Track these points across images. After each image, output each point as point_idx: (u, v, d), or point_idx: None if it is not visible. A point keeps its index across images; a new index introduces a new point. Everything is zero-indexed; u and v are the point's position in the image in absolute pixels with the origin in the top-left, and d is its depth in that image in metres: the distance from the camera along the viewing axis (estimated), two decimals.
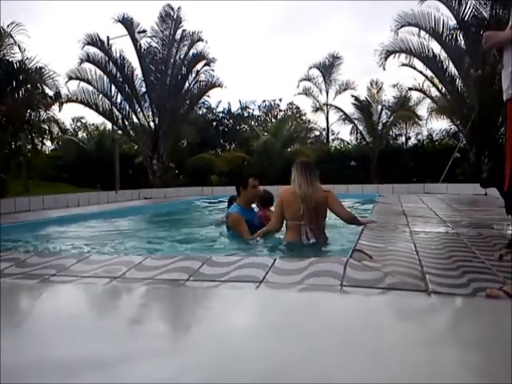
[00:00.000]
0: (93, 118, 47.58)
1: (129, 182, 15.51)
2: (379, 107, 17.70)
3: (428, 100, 16.18)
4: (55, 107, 12.06)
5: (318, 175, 3.78)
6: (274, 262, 2.60)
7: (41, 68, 10.49)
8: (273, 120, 27.32)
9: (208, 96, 17.10)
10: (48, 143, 19.41)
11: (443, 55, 13.08)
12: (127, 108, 15.02)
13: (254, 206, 4.65)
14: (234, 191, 4.65)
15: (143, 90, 15.20)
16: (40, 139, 14.42)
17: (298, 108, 28.77)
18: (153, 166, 14.96)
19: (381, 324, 0.26)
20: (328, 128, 24.70)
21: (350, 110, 17.97)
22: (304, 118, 27.65)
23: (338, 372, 0.19)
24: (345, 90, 23.24)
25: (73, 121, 27.84)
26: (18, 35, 9.99)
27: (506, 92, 2.64)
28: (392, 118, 17.51)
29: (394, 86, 19.15)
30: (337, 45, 62.57)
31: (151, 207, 9.86)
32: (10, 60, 9.91)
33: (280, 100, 29.47)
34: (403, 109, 17.48)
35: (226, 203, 5.38)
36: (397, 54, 13.55)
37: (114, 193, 11.42)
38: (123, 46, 18.03)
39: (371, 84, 18.19)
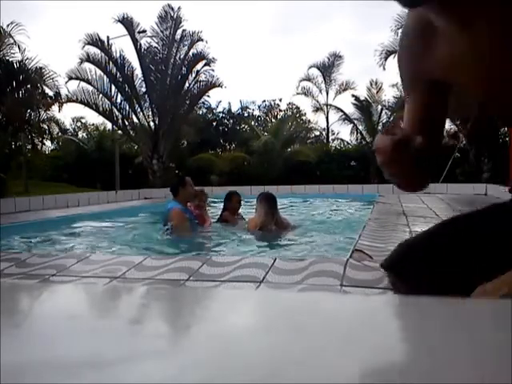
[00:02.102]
0: (93, 118, 47.55)
1: (129, 182, 15.52)
2: (379, 107, 17.70)
3: None
4: (55, 107, 12.07)
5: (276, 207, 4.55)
6: (273, 262, 2.60)
7: (41, 68, 10.51)
8: (273, 120, 27.31)
9: (208, 96, 17.12)
10: (48, 143, 19.45)
11: None
12: (127, 108, 15.02)
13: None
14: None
15: (143, 90, 15.20)
16: (40, 139, 14.43)
17: (298, 108, 28.75)
18: (153, 166, 14.95)
19: (381, 324, 0.26)
20: (328, 128, 24.69)
21: (350, 109, 17.98)
22: (304, 117, 27.63)
23: (339, 372, 0.19)
24: (345, 90, 23.22)
25: (73, 121, 27.80)
26: (17, 35, 10.01)
27: None
28: (392, 118, 17.50)
29: (393, 85, 19.13)
30: (337, 45, 62.65)
31: (151, 207, 9.86)
32: (10, 60, 9.93)
33: (280, 100, 29.47)
34: (403, 109, 17.44)
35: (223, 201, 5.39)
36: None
37: (114, 193, 11.43)
38: (123, 46, 18.03)
39: (371, 84, 18.18)
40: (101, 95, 14.63)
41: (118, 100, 14.97)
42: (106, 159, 17.46)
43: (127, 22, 14.70)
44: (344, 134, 44.11)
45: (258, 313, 0.34)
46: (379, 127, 17.38)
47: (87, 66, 14.56)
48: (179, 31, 15.23)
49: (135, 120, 15.40)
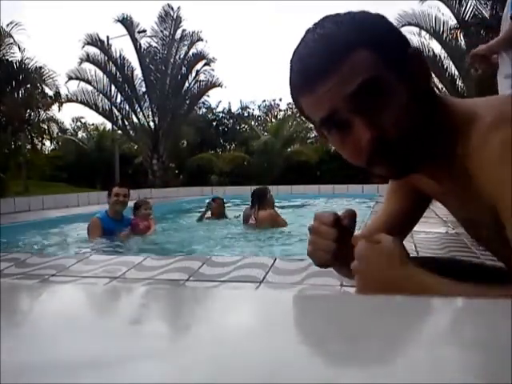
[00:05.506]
0: (92, 117, 47.57)
1: (129, 182, 15.51)
2: None
3: None
4: (55, 107, 12.06)
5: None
6: (274, 262, 2.60)
7: (40, 68, 10.51)
8: (273, 120, 27.28)
9: (208, 96, 17.16)
10: (48, 143, 19.45)
11: (443, 55, 13.10)
12: (127, 108, 15.04)
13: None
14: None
15: (143, 89, 15.21)
16: (40, 139, 14.43)
17: None
18: (153, 166, 14.96)
19: (381, 324, 0.26)
20: None
21: None
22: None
23: (339, 372, 0.19)
24: None
25: (72, 121, 27.75)
26: (17, 35, 10.01)
27: None
28: None
29: None
30: None
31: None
32: (10, 60, 9.92)
33: (280, 100, 29.43)
34: None
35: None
36: None
37: None
38: (123, 46, 18.06)
39: None
40: (101, 95, 14.65)
41: (118, 100, 15.00)
42: (106, 159, 17.46)
43: (127, 22, 14.71)
44: None
45: (258, 313, 0.34)
46: None
47: (87, 66, 14.58)
48: (179, 31, 15.26)
49: (135, 120, 15.41)
